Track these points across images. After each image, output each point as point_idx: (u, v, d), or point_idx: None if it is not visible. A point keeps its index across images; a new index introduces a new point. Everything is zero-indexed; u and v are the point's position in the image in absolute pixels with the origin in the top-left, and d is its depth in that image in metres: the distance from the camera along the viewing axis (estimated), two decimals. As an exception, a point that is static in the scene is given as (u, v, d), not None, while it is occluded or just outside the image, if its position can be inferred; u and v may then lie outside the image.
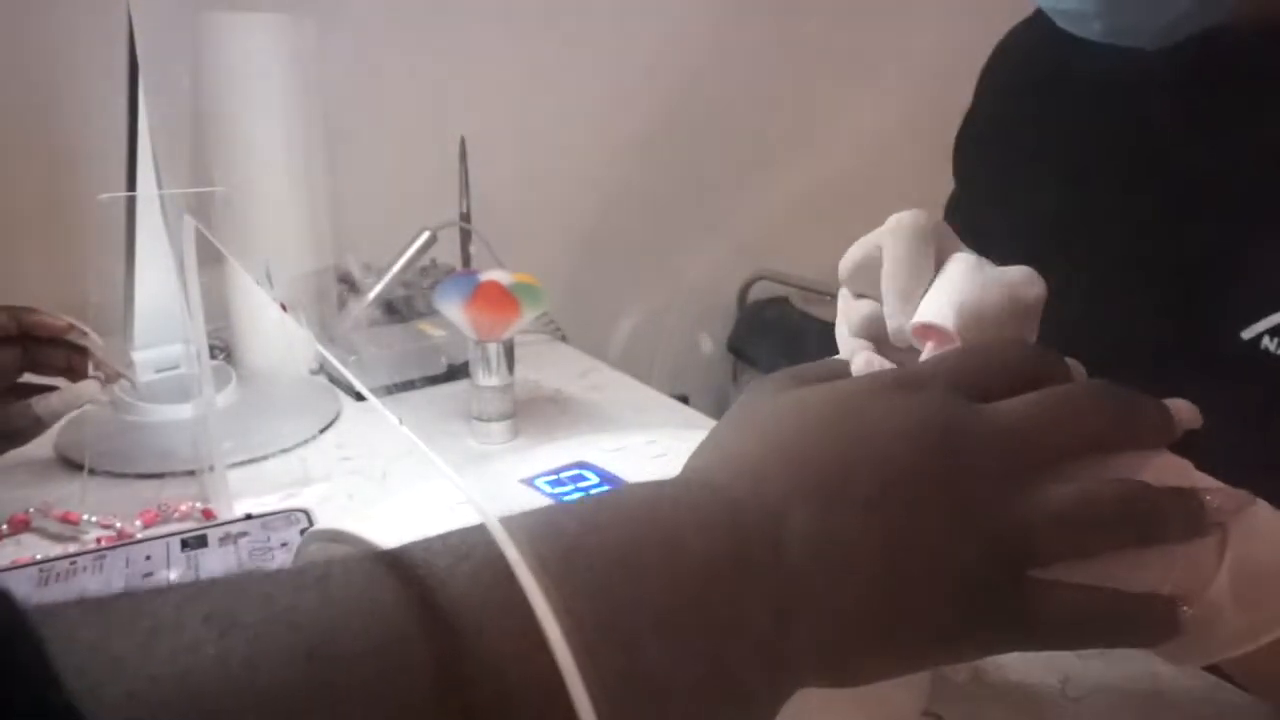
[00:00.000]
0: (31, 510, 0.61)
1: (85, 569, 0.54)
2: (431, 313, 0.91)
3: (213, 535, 0.58)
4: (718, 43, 1.46)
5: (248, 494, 0.65)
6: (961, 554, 0.27)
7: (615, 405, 0.85)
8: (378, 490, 0.67)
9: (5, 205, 1.00)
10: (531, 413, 0.81)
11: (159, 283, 0.71)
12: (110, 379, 0.67)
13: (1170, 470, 0.30)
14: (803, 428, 0.29)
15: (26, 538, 0.61)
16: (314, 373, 0.89)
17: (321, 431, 0.77)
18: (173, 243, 0.58)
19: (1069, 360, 0.33)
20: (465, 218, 1.03)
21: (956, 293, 0.37)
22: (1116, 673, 0.44)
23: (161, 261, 0.69)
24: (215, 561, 0.55)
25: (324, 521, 0.48)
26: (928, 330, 0.36)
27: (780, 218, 1.58)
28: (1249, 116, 0.48)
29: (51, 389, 0.63)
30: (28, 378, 0.64)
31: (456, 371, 0.88)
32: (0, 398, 0.62)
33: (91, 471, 0.66)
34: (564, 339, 1.06)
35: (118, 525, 0.61)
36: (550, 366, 0.94)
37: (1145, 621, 0.28)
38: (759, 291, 1.63)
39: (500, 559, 0.20)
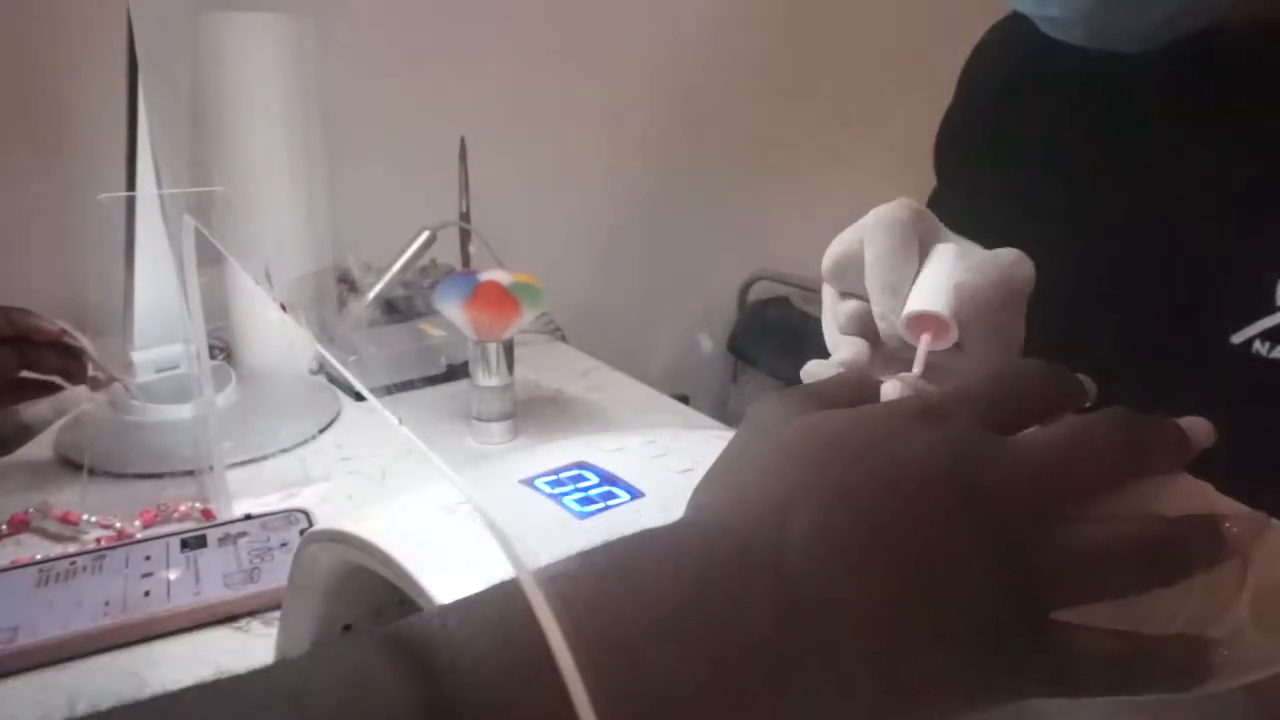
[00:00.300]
0: (31, 510, 0.61)
1: (85, 569, 0.54)
2: (431, 313, 0.91)
3: (212, 535, 0.58)
4: (718, 43, 1.45)
5: (247, 494, 0.65)
6: (975, 581, 0.26)
7: (615, 405, 0.85)
8: (377, 490, 0.67)
9: (5, 205, 1.00)
10: (531, 413, 0.81)
11: (159, 283, 0.71)
12: (105, 383, 0.67)
13: (1191, 495, 0.29)
14: (819, 452, 0.27)
15: (26, 538, 0.61)
16: (314, 373, 0.89)
17: (321, 431, 0.77)
18: (173, 243, 0.58)
19: (1081, 377, 0.32)
20: (465, 218, 1.03)
21: (948, 278, 0.36)
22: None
23: (161, 261, 0.69)
24: (215, 562, 0.55)
25: (324, 521, 0.48)
26: (922, 320, 0.36)
27: (780, 218, 1.58)
28: (1237, 116, 0.48)
29: (48, 390, 0.63)
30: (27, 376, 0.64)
31: (456, 371, 0.88)
32: None
33: (91, 471, 0.66)
34: (564, 339, 1.06)
35: (117, 525, 0.61)
36: (550, 366, 0.94)
37: (1174, 667, 0.27)
38: (759, 291, 1.63)
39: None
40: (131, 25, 0.65)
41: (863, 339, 0.39)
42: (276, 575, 0.54)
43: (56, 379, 0.64)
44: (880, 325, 0.37)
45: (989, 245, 0.40)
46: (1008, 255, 0.38)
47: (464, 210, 1.03)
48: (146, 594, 0.52)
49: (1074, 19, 0.45)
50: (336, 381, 0.86)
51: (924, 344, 0.36)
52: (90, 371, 0.65)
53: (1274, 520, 0.29)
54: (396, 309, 0.96)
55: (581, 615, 0.20)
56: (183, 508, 0.63)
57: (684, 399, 1.04)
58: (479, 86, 1.27)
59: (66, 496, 0.63)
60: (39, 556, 0.56)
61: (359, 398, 0.82)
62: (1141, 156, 0.52)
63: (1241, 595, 0.28)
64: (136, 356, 0.73)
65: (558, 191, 1.37)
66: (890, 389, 0.32)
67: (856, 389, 0.32)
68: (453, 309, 0.72)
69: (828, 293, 0.42)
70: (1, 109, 0.99)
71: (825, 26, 1.53)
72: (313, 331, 0.87)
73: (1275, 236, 0.45)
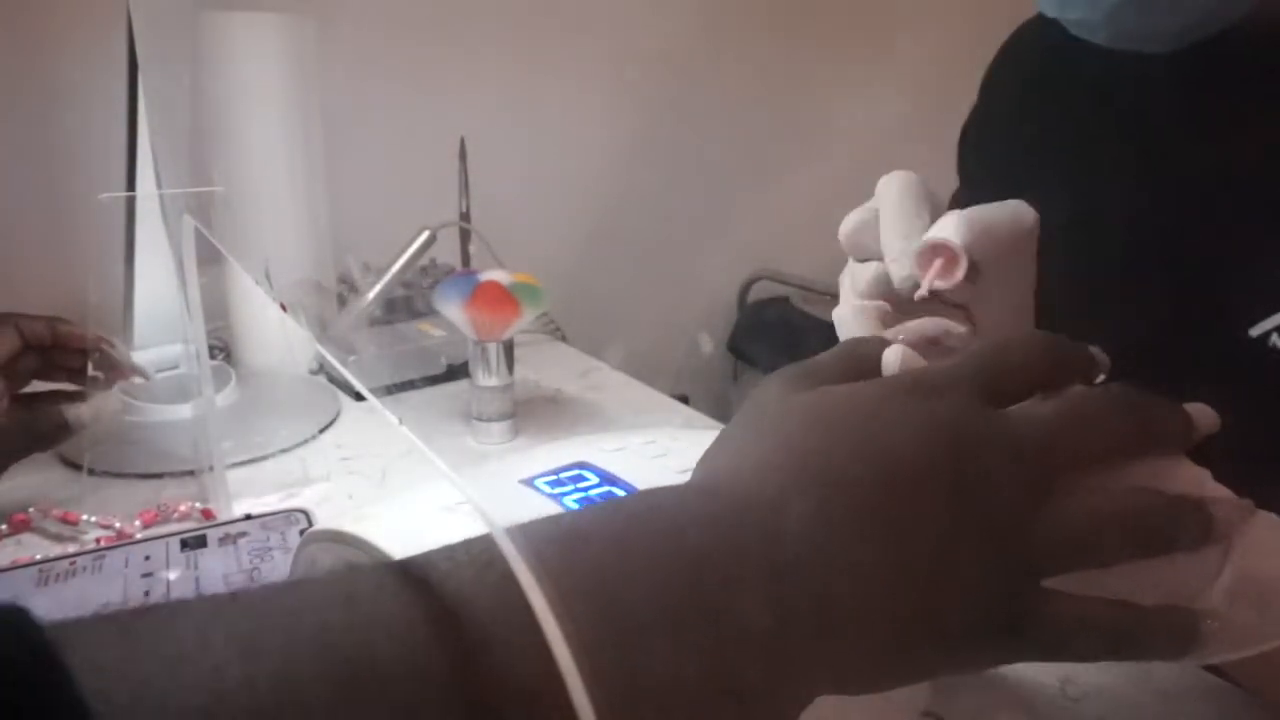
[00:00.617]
0: (31, 510, 0.62)
1: (85, 569, 0.54)
2: (431, 313, 0.91)
3: (212, 535, 0.58)
4: (718, 42, 1.46)
5: (247, 494, 0.65)
6: (972, 562, 0.26)
7: (615, 405, 0.85)
8: (377, 490, 0.67)
9: (5, 205, 1.00)
10: (531, 413, 0.81)
11: (159, 283, 0.71)
12: (136, 375, 0.67)
13: (1187, 480, 0.30)
14: (815, 432, 0.28)
15: (26, 538, 0.61)
16: (314, 373, 0.89)
17: (321, 431, 0.77)
18: (173, 243, 0.58)
19: (1092, 349, 0.32)
20: (465, 218, 1.03)
21: (958, 214, 0.38)
22: (1116, 673, 0.44)
23: (161, 261, 0.69)
24: (215, 562, 0.55)
25: (324, 521, 0.48)
26: (935, 249, 0.37)
27: (780, 218, 1.58)
28: (1258, 114, 0.48)
29: (74, 395, 0.63)
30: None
31: (456, 371, 0.88)
32: (16, 399, 0.62)
33: (91, 471, 0.66)
34: (564, 339, 1.06)
35: (117, 525, 0.61)
36: (550, 366, 0.94)
37: (1165, 634, 0.28)
38: (759, 291, 1.63)
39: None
40: (131, 25, 0.65)
41: (882, 302, 0.40)
42: (276, 575, 0.54)
43: (72, 386, 0.64)
44: (892, 269, 0.39)
45: None
46: (1013, 202, 0.40)
47: (464, 210, 1.03)
48: (146, 594, 0.52)
49: (1097, 20, 0.45)
50: (336, 381, 0.86)
51: (934, 269, 0.36)
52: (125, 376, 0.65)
53: (1261, 511, 0.29)
54: (396, 309, 0.96)
55: (577, 608, 0.20)
56: (183, 508, 0.63)
57: (684, 399, 1.04)
58: (479, 86, 1.27)
59: (66, 496, 0.64)
60: (39, 556, 0.56)
61: (359, 398, 0.82)
62: (1164, 154, 0.52)
63: (1219, 579, 0.28)
64: (136, 356, 0.73)
65: (558, 191, 1.37)
66: (891, 357, 0.31)
67: (856, 364, 0.32)
68: (453, 309, 0.72)
69: (848, 271, 0.43)
70: (1, 109, 0.99)
71: (826, 27, 1.53)
72: (313, 331, 0.87)
73: None
